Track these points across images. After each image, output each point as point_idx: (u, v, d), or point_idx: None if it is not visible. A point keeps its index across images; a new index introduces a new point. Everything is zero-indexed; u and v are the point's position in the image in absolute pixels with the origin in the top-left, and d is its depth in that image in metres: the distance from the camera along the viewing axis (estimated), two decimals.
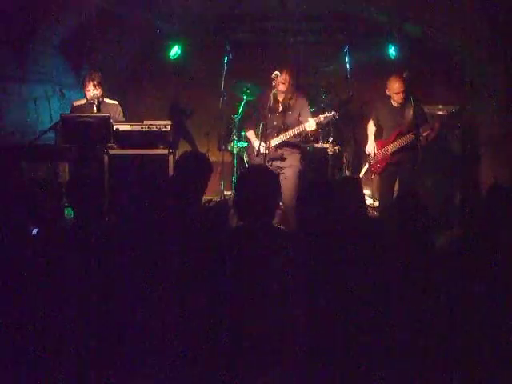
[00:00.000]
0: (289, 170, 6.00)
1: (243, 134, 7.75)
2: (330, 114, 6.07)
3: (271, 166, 5.76)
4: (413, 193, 3.60)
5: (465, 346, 2.73)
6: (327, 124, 7.51)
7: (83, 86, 6.29)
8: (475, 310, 2.77)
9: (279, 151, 6.00)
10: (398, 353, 2.71)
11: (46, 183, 5.17)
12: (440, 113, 7.44)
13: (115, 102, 6.42)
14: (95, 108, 6.17)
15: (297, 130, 5.95)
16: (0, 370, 2.82)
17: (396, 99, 6.25)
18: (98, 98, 6.11)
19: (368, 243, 3.11)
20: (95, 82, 6.14)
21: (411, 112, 6.00)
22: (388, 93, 6.31)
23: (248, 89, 7.80)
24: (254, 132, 6.13)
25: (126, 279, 2.97)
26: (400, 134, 6.23)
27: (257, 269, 2.74)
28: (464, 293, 2.80)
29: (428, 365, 2.69)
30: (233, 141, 7.68)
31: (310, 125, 5.85)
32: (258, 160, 5.93)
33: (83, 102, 6.28)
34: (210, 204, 5.26)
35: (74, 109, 6.36)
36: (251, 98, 7.61)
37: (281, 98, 5.97)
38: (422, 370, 2.69)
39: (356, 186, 3.81)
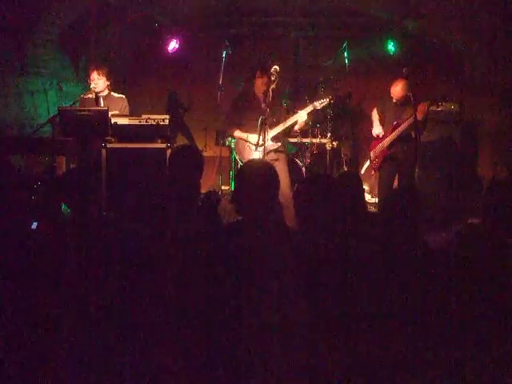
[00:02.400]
0: (280, 163, 6.00)
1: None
2: (325, 100, 6.20)
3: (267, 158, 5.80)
4: (409, 189, 3.59)
5: (462, 342, 2.72)
6: (325, 118, 7.53)
7: (88, 77, 6.25)
8: (474, 308, 2.76)
9: (275, 144, 6.03)
10: (396, 351, 2.70)
11: (43, 177, 5.15)
12: (439, 109, 7.43)
13: (122, 96, 6.40)
14: (101, 102, 6.16)
15: (291, 120, 6.04)
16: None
17: (395, 101, 6.28)
18: (95, 90, 6.09)
19: (368, 238, 3.10)
20: (100, 71, 6.11)
21: (412, 109, 5.99)
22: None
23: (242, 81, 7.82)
24: (242, 129, 6.12)
25: (123, 273, 2.95)
26: (396, 127, 6.23)
27: (256, 263, 2.73)
28: (463, 291, 2.79)
29: (426, 362, 2.69)
30: (230, 136, 7.67)
31: (302, 115, 6.02)
32: (251, 155, 5.97)
33: (90, 95, 6.26)
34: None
35: (81, 101, 6.33)
36: None
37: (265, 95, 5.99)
38: (419, 368, 2.68)
39: (356, 181, 3.81)
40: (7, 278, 2.92)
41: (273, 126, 6.01)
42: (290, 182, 6.02)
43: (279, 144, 6.07)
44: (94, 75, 6.12)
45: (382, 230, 3.19)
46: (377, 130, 6.49)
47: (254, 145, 5.85)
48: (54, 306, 2.88)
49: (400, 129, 6.18)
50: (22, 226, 3.33)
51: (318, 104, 6.17)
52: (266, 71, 5.91)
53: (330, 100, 6.28)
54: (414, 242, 2.99)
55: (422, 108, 6.07)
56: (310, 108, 6.13)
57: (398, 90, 6.21)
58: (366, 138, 6.75)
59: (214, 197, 5.52)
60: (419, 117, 6.07)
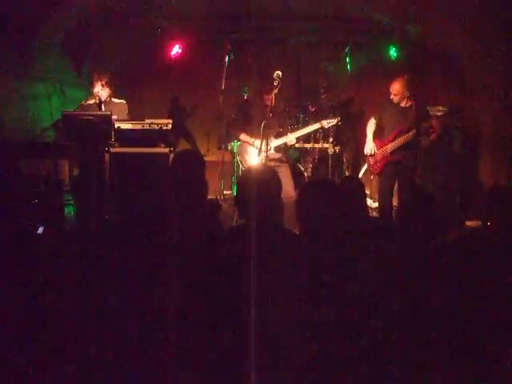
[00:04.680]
0: (284, 167, 6.18)
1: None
2: (333, 120, 6.46)
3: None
4: (426, 192, 3.60)
5: (470, 345, 2.73)
6: None
7: (91, 86, 6.28)
8: (478, 309, 2.77)
9: (276, 154, 6.20)
10: (399, 352, 2.71)
11: (46, 181, 5.16)
12: (441, 113, 7.46)
13: (123, 101, 6.42)
14: (103, 107, 6.18)
15: (283, 139, 6.23)
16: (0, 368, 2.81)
17: (394, 100, 6.27)
18: (99, 97, 6.12)
19: (369, 243, 3.11)
20: (103, 82, 6.14)
21: (414, 113, 6.02)
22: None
23: (249, 88, 7.84)
24: (247, 134, 6.26)
25: (126, 278, 2.96)
26: (400, 133, 6.23)
27: (258, 266, 2.74)
28: (467, 292, 2.80)
29: (431, 363, 2.70)
30: (233, 140, 7.69)
31: (290, 139, 6.23)
32: (253, 160, 6.10)
33: (92, 101, 6.28)
34: None
35: (82, 107, 6.34)
36: None
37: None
38: (424, 368, 2.69)
39: (358, 185, 3.82)
40: (11, 281, 2.93)
41: (277, 132, 6.18)
42: (293, 185, 6.17)
43: (280, 154, 6.24)
44: (98, 86, 6.14)
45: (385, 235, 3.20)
46: (368, 148, 6.47)
47: (259, 149, 5.96)
48: (57, 310, 2.90)
49: (404, 138, 6.17)
50: (25, 230, 3.35)
51: (326, 123, 6.44)
52: (270, 90, 6.02)
53: (338, 121, 6.54)
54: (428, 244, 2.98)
55: (435, 125, 6.10)
56: (317, 125, 6.41)
57: (397, 87, 6.19)
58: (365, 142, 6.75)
59: (213, 204, 5.59)
60: (435, 135, 6.12)
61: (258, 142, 6.04)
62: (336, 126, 6.69)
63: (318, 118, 6.81)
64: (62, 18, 6.86)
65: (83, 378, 2.80)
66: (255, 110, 6.21)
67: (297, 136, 6.33)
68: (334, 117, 6.58)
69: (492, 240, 3.13)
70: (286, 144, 6.28)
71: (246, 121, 6.28)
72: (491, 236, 3.19)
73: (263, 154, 5.84)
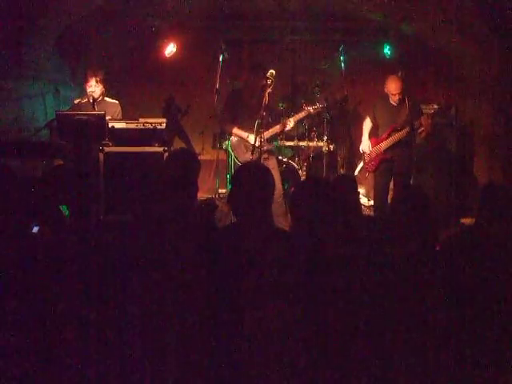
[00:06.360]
0: (272, 159, 6.28)
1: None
2: (319, 106, 6.65)
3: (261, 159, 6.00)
4: (419, 189, 3.60)
5: (466, 345, 2.73)
6: (321, 122, 7.58)
7: (85, 81, 6.26)
8: (475, 306, 2.78)
9: (269, 145, 6.28)
10: (396, 354, 2.71)
11: (40, 181, 5.14)
12: (432, 111, 7.47)
13: (116, 102, 6.41)
14: (95, 106, 6.17)
15: (280, 127, 6.32)
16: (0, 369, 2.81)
17: (393, 99, 6.29)
18: (92, 96, 6.11)
19: (363, 242, 3.12)
20: (98, 79, 6.14)
21: (407, 111, 6.05)
22: (386, 91, 6.36)
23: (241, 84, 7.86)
24: (239, 128, 6.31)
25: (122, 277, 2.96)
26: (393, 131, 6.25)
27: (252, 264, 2.75)
28: (462, 290, 2.81)
29: (427, 363, 2.70)
30: (227, 139, 7.68)
31: (290, 124, 6.34)
32: (247, 155, 6.11)
33: (84, 100, 6.26)
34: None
35: (75, 106, 6.33)
36: None
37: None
38: (422, 368, 2.69)
39: (351, 184, 3.83)
40: (7, 282, 2.93)
41: (268, 127, 6.21)
42: (280, 180, 6.33)
43: (273, 145, 6.41)
44: (92, 82, 6.13)
45: (392, 232, 3.20)
46: (364, 146, 6.51)
47: (253, 146, 5.95)
48: (55, 310, 2.90)
49: (398, 135, 6.20)
50: (21, 230, 3.34)
51: (312, 109, 6.53)
52: (261, 73, 6.02)
53: (323, 107, 6.71)
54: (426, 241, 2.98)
55: (425, 123, 6.10)
56: (303, 113, 6.51)
57: (394, 87, 6.22)
58: (361, 140, 6.76)
59: (209, 204, 5.60)
60: (425, 133, 6.14)
61: (252, 137, 6.04)
62: (321, 110, 6.85)
63: (312, 116, 6.86)
64: (57, 17, 6.84)
65: (83, 378, 2.80)
66: (246, 102, 6.21)
67: (296, 120, 6.44)
68: (319, 102, 6.79)
69: (486, 237, 3.13)
70: (283, 129, 6.35)
71: (236, 113, 6.29)
72: (486, 233, 3.20)
73: (257, 152, 5.85)
